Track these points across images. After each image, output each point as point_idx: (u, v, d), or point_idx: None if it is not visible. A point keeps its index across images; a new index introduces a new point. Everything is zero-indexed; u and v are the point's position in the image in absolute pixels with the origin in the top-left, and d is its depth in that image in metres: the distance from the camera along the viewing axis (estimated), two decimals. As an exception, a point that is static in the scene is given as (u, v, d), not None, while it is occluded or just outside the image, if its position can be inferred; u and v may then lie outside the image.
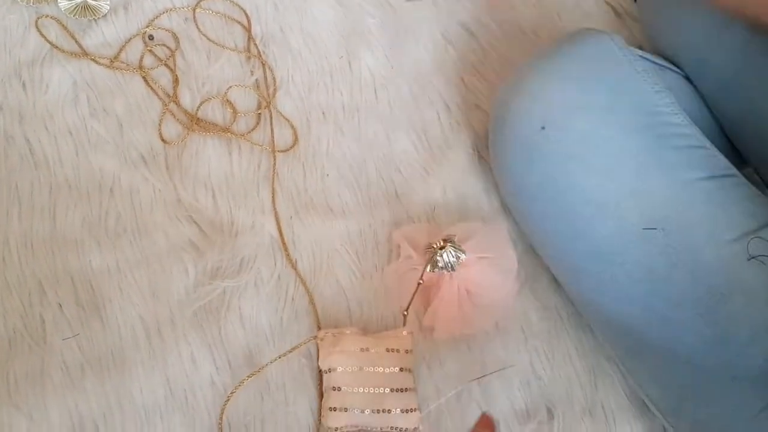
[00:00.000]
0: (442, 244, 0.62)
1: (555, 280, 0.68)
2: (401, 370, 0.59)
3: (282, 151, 0.71)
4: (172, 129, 0.70)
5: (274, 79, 0.74)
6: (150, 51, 0.73)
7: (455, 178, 0.72)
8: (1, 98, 0.68)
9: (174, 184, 0.67)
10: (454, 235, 0.63)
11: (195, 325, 0.61)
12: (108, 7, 0.74)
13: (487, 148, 0.73)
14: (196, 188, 0.67)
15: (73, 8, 0.72)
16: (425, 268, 0.62)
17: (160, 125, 0.69)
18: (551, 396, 0.64)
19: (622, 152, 0.58)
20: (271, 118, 0.72)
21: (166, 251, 0.64)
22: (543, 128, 0.60)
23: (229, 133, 0.70)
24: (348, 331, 0.60)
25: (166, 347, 0.60)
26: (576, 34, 0.63)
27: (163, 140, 0.69)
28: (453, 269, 0.62)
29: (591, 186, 0.59)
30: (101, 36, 0.73)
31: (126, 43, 0.73)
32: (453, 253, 0.61)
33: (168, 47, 0.74)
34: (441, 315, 0.63)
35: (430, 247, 0.63)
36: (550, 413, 0.63)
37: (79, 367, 0.58)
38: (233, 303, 0.62)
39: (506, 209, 0.71)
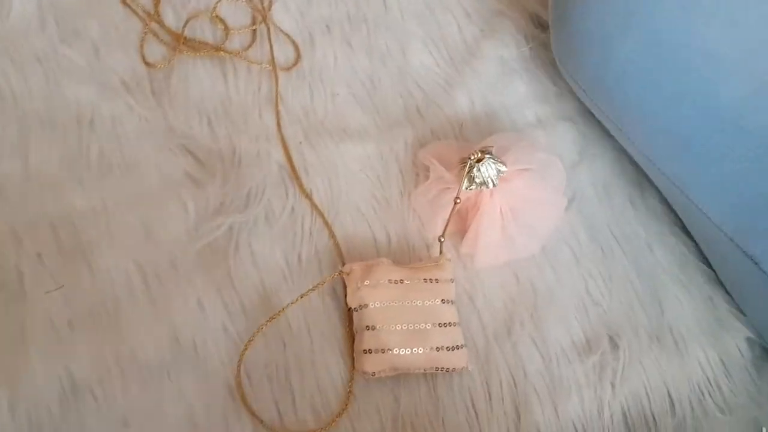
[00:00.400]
0: (479, 156, 0.53)
1: (603, 194, 0.60)
2: (442, 302, 0.51)
3: (284, 70, 0.62)
4: (155, 51, 0.61)
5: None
6: (124, -35, 0.63)
7: (483, 91, 0.64)
8: (-46, 26, 0.58)
9: (163, 110, 0.58)
10: (492, 147, 0.54)
11: (200, 268, 0.52)
12: None
13: (517, 58, 0.65)
14: (189, 115, 0.58)
15: None
16: (462, 185, 0.53)
17: (141, 47, 0.60)
18: (612, 324, 0.56)
19: None
20: (269, 33, 0.63)
21: (159, 187, 0.55)
22: None
23: (221, 52, 0.61)
24: (378, 263, 0.52)
25: (168, 294, 0.51)
26: None
27: (146, 63, 0.59)
28: (494, 185, 0.53)
29: (713, 38, 0.50)
30: (67, -49, 0.63)
31: (96, -44, 0.63)
32: (492, 165, 0.53)
33: (144, -40, 0.64)
34: (482, 239, 0.54)
35: (464, 161, 0.54)
36: (613, 342, 0.55)
37: (66, 323, 0.49)
38: (242, 240, 0.54)
39: (544, 122, 0.63)
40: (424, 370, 0.50)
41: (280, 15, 0.65)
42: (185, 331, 0.50)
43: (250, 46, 0.62)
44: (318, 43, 0.64)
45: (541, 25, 0.68)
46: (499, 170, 0.53)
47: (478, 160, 0.53)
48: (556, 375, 0.54)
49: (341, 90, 0.62)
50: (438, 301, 0.51)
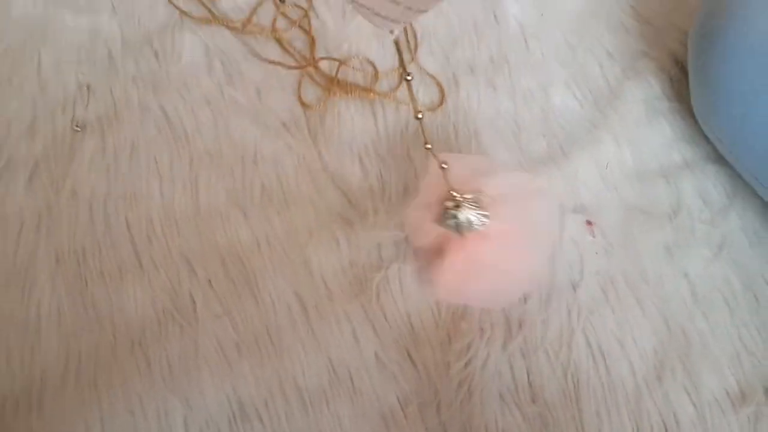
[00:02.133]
0: (459, 201, 0.50)
1: (755, 240, 0.58)
2: None
3: (429, 110, 0.64)
4: (311, 93, 0.64)
5: (414, 35, 0.67)
6: (282, 14, 0.68)
7: (628, 132, 0.63)
8: (134, 69, 0.64)
9: (318, 149, 0.61)
10: (482, 193, 0.51)
11: (353, 300, 0.55)
12: None
13: (664, 97, 0.65)
14: (342, 153, 0.61)
15: None
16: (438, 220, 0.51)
17: (299, 89, 0.64)
18: (767, 375, 0.54)
19: None
20: (402, 75, 0.65)
21: (315, 221, 0.58)
22: None
23: (372, 94, 0.64)
24: None
25: (325, 324, 0.54)
26: None
27: (303, 105, 0.63)
28: (464, 232, 0.50)
29: None
30: (231, 1, 0.68)
31: (257, 6, 0.68)
32: (472, 213, 0.50)
33: (300, 7, 0.68)
34: (444, 279, 0.53)
35: (448, 198, 0.51)
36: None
37: (235, 347, 0.53)
38: (392, 274, 0.56)
39: (691, 165, 0.62)
40: None
41: (425, 57, 0.67)
42: (341, 361, 0.53)
43: (397, 87, 0.65)
44: (462, 84, 0.66)
45: (685, 67, 0.67)
46: (472, 223, 0.50)
47: (456, 206, 0.50)
48: (709, 425, 0.52)
49: (485, 129, 0.64)
50: None
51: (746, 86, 0.54)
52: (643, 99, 0.65)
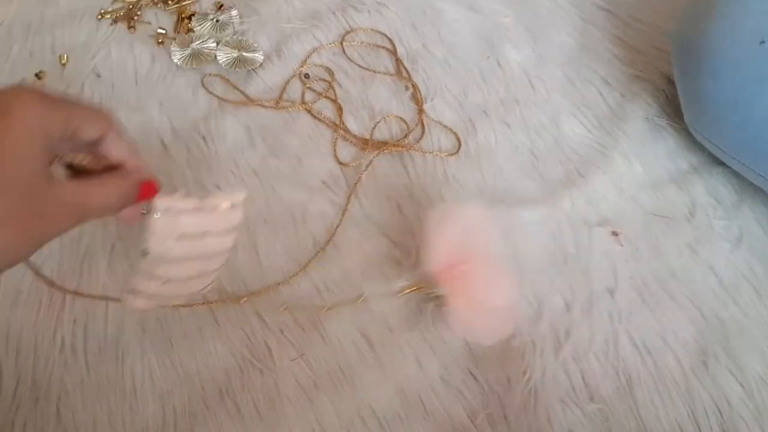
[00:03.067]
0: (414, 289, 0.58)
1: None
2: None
3: (451, 155, 0.71)
4: (345, 152, 0.71)
5: (421, 97, 0.75)
6: (309, 88, 0.76)
7: (635, 149, 0.70)
8: (186, 154, 0.72)
9: (359, 201, 0.68)
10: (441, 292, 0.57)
11: (412, 329, 0.60)
12: (262, 57, 0.78)
13: (663, 113, 0.71)
14: (380, 202, 0.68)
15: (231, 62, 0.77)
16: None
17: (335, 150, 0.71)
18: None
19: None
20: (423, 124, 0.73)
21: (365, 265, 0.64)
22: (762, 42, 0.57)
23: (400, 147, 0.71)
24: None
25: (390, 355, 0.59)
26: None
27: (340, 163, 0.70)
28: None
29: None
30: (262, 83, 0.77)
31: (285, 84, 0.76)
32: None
33: (325, 81, 0.76)
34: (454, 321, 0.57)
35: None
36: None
37: (312, 385, 0.58)
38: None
39: (698, 169, 0.68)
40: None
41: (441, 106, 0.74)
42: (409, 385, 0.57)
43: (421, 137, 0.72)
44: (478, 126, 0.73)
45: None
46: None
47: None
48: (759, 402, 0.56)
49: (507, 164, 0.70)
50: None
51: (738, 96, 0.59)
52: (643, 117, 0.72)
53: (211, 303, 0.62)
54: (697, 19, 0.62)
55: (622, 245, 0.65)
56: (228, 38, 0.79)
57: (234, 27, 0.81)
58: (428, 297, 0.58)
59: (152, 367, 0.58)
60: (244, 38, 0.80)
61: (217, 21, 0.81)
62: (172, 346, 0.59)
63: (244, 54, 0.78)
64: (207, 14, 0.82)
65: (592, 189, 0.68)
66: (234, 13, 0.82)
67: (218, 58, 0.77)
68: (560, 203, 0.67)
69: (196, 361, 0.59)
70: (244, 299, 0.62)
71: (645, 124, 0.71)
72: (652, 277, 0.63)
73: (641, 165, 0.69)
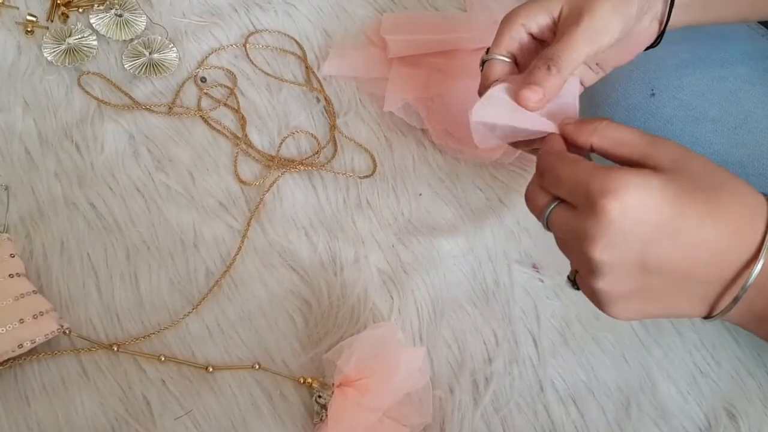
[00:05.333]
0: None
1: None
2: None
3: (365, 177, 0.64)
4: (247, 169, 0.63)
5: (334, 112, 0.68)
6: (206, 93, 0.67)
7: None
8: (55, 164, 0.61)
9: (262, 227, 0.60)
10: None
11: (320, 377, 0.53)
12: (178, 61, 0.68)
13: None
14: (287, 228, 0.60)
15: (139, 67, 0.67)
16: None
17: (235, 167, 0.63)
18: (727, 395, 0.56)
19: (750, 103, 0.53)
20: (335, 141, 0.66)
21: (268, 302, 0.56)
22: (653, 94, 0.55)
23: (309, 166, 0.63)
24: None
25: (293, 408, 0.52)
26: None
27: (241, 182, 0.62)
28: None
29: (724, 145, 0.53)
30: (150, 85, 0.67)
31: (180, 88, 0.67)
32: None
33: (225, 87, 0.68)
34: None
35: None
36: (730, 414, 0.55)
37: (201, 446, 0.49)
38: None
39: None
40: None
41: (355, 123, 0.68)
42: (315, 445, 0.50)
43: (333, 156, 0.65)
44: (395, 146, 0.67)
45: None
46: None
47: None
48: (682, 453, 0.54)
49: (423, 189, 0.64)
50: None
51: None
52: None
53: (79, 350, 0.52)
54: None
55: (542, 280, 0.61)
56: (136, 42, 0.68)
57: (141, 28, 0.70)
58: (316, 399, 0.51)
59: (2, 430, 0.48)
60: (151, 34, 0.69)
61: (120, 16, 0.69)
62: (28, 403, 0.49)
63: (155, 57, 0.68)
64: (111, 7, 0.70)
65: (513, 219, 0.63)
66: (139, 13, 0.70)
67: (125, 65, 0.67)
68: (481, 234, 0.62)
69: (57, 422, 0.49)
70: (119, 345, 0.52)
71: (568, 153, 0.68)
72: (574, 316, 0.59)
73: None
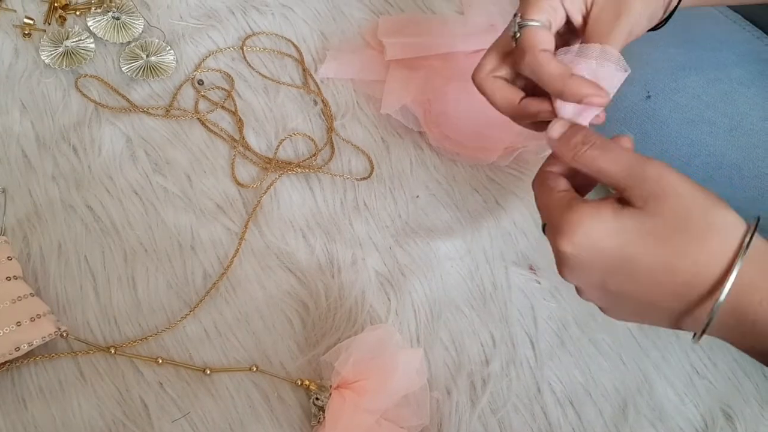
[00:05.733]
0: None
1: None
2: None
3: (363, 179, 0.64)
4: (244, 172, 0.63)
5: (331, 114, 0.68)
6: (204, 96, 0.67)
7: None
8: (52, 167, 0.61)
9: (259, 229, 0.60)
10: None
11: (315, 379, 0.53)
12: (175, 64, 0.68)
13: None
14: (284, 230, 0.60)
15: (136, 70, 0.67)
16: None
17: (232, 169, 0.63)
18: (723, 396, 0.56)
19: (745, 105, 0.53)
20: (332, 143, 0.66)
21: (265, 304, 0.56)
22: (648, 96, 0.55)
23: (306, 168, 0.63)
24: None
25: (290, 410, 0.52)
26: None
27: (238, 184, 0.62)
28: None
29: (720, 146, 0.53)
30: (147, 87, 0.67)
31: (177, 91, 0.67)
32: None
33: (222, 89, 0.68)
34: None
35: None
36: (726, 415, 0.56)
37: (198, 449, 0.49)
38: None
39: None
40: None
41: (353, 126, 0.68)
42: (312, 447, 0.50)
43: (330, 158, 0.65)
44: (392, 148, 0.67)
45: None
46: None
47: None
48: (679, 454, 0.54)
49: (420, 191, 0.65)
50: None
51: None
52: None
53: (76, 352, 0.52)
54: None
55: (539, 282, 0.61)
56: (134, 44, 0.68)
57: (138, 31, 0.70)
58: (313, 401, 0.51)
59: (-2, 433, 0.48)
60: (149, 37, 0.69)
61: (117, 19, 0.69)
62: (25, 405, 0.49)
63: (153, 59, 0.68)
64: (109, 10, 0.69)
65: (510, 221, 0.63)
66: (137, 16, 0.70)
67: (122, 67, 0.67)
68: (478, 236, 0.62)
69: (54, 424, 0.49)
70: (117, 347, 0.52)
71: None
72: (571, 318, 0.59)
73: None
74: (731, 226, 0.33)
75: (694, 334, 0.36)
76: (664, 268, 0.34)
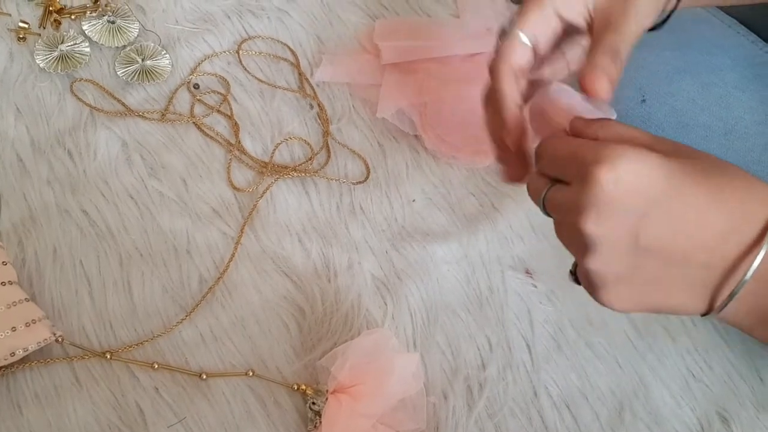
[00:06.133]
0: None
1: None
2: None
3: (358, 183, 0.64)
4: (240, 176, 0.63)
5: (327, 118, 0.68)
6: (199, 100, 0.67)
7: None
8: (47, 171, 0.61)
9: (255, 233, 0.60)
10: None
11: (312, 384, 0.53)
12: (170, 68, 0.68)
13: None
14: (280, 234, 0.60)
15: (131, 74, 0.66)
16: None
17: (228, 173, 0.63)
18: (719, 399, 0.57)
19: (740, 108, 0.54)
20: (328, 147, 0.66)
21: (261, 308, 0.56)
22: (643, 100, 0.56)
23: (302, 172, 0.63)
24: None
25: (287, 415, 0.51)
26: None
27: (234, 188, 0.62)
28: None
29: (715, 150, 0.54)
30: (143, 92, 0.67)
31: (173, 95, 0.67)
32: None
33: (218, 93, 0.68)
34: None
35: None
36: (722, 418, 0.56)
37: (194, 454, 0.49)
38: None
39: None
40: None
41: (349, 130, 0.68)
42: (309, 452, 0.50)
43: (326, 162, 0.65)
44: (388, 151, 0.67)
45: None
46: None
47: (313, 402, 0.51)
48: (676, 457, 0.54)
49: (417, 195, 0.65)
50: None
51: None
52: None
53: (72, 357, 0.52)
54: None
55: (535, 286, 0.61)
56: (129, 48, 0.68)
57: (134, 35, 0.69)
58: (310, 406, 0.51)
59: (-8, 439, 0.47)
60: (144, 41, 0.69)
61: (113, 23, 0.69)
62: (20, 411, 0.49)
63: (148, 63, 0.68)
64: (104, 13, 0.69)
65: (506, 224, 0.63)
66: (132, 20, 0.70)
67: (118, 71, 0.66)
68: (474, 240, 0.62)
69: (50, 430, 0.49)
70: (112, 352, 0.52)
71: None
72: (567, 322, 0.59)
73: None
74: (756, 178, 0.33)
75: (709, 311, 0.33)
76: (710, 202, 0.31)
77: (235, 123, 0.66)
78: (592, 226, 0.32)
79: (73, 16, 0.70)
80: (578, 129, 0.38)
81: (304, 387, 0.51)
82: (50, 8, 0.69)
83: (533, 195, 0.39)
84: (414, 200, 0.64)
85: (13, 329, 0.48)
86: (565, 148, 0.36)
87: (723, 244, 0.32)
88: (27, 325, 0.49)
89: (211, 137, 0.65)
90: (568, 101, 0.40)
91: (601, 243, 0.33)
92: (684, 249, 0.32)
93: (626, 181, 0.31)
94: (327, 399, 0.50)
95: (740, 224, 0.32)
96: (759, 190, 0.33)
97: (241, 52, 0.70)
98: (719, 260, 0.32)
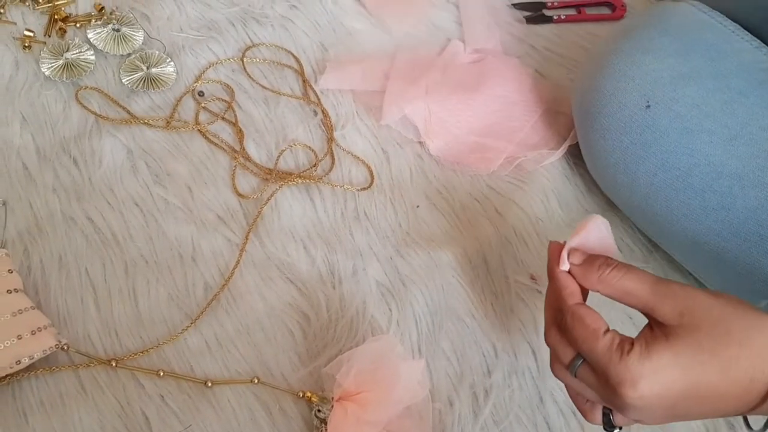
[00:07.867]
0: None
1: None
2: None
3: (362, 189, 0.64)
4: (245, 183, 0.63)
5: (331, 124, 0.68)
6: (204, 107, 0.67)
7: (554, 187, 0.66)
8: (53, 179, 0.61)
9: (260, 240, 0.60)
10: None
11: (317, 391, 0.53)
12: (175, 75, 0.68)
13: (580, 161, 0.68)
14: (285, 241, 0.60)
15: (136, 82, 0.67)
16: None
17: (233, 180, 0.63)
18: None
19: (745, 114, 0.54)
20: (332, 154, 0.66)
21: (266, 316, 0.56)
22: (648, 106, 0.56)
23: (307, 179, 0.63)
24: None
25: (292, 423, 0.51)
26: (656, 8, 0.62)
27: (239, 195, 0.62)
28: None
29: (719, 156, 0.53)
30: (148, 99, 0.67)
31: (177, 102, 0.67)
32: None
33: (223, 100, 0.68)
34: None
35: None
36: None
37: (199, 462, 0.49)
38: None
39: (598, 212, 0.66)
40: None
41: (353, 136, 0.68)
42: (315, 459, 0.50)
43: (331, 169, 0.65)
44: (392, 158, 0.67)
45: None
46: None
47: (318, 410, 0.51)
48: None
49: (421, 201, 0.65)
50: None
51: (626, 158, 0.58)
52: (563, 153, 0.68)
53: (77, 365, 0.52)
54: (593, 74, 0.60)
55: (540, 290, 0.61)
56: (134, 56, 0.69)
57: (139, 42, 0.70)
58: (315, 414, 0.51)
59: (-2, 447, 0.48)
60: (149, 49, 0.69)
61: (117, 31, 0.69)
62: (26, 419, 0.49)
63: (153, 71, 0.68)
64: (109, 22, 0.70)
65: (510, 230, 0.63)
66: (137, 28, 0.71)
67: (123, 79, 0.67)
68: (478, 245, 0.62)
69: (55, 437, 0.48)
70: (118, 360, 0.52)
71: (564, 162, 0.68)
72: (572, 328, 0.59)
73: (558, 205, 0.65)
74: (757, 316, 0.37)
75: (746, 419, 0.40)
76: (722, 378, 0.36)
77: (240, 130, 0.66)
78: (631, 416, 0.39)
79: (78, 25, 0.70)
80: (577, 278, 0.42)
81: (309, 394, 0.51)
82: (55, 16, 0.70)
83: (562, 359, 0.43)
84: (418, 206, 0.64)
85: (19, 337, 0.48)
86: (588, 347, 0.39)
87: (746, 395, 0.37)
88: (33, 333, 0.49)
89: (216, 144, 0.65)
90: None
91: (642, 419, 0.39)
92: (713, 408, 0.38)
93: (648, 396, 0.36)
94: (332, 406, 0.50)
95: (759, 375, 0.36)
96: (760, 342, 0.36)
97: (245, 59, 0.71)
98: (745, 406, 0.38)
